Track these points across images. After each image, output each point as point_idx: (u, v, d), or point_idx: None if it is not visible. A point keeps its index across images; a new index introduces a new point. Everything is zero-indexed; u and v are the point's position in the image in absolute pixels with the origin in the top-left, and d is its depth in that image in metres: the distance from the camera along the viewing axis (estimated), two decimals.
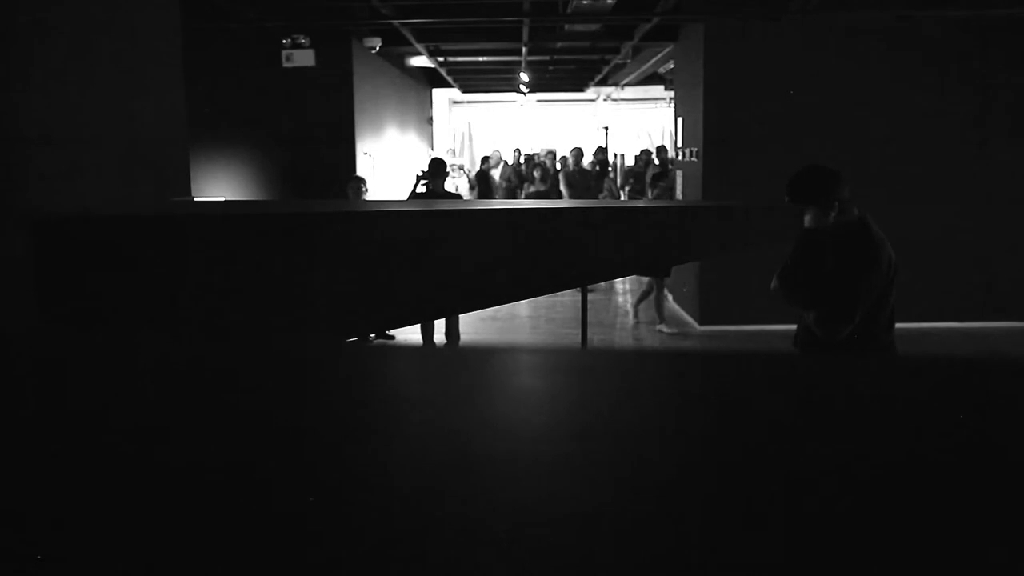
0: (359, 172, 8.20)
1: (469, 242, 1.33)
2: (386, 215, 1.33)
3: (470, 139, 20.67)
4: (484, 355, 0.68)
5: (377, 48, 8.73)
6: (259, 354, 0.66)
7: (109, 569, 0.32)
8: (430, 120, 15.83)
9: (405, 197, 7.77)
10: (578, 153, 10.98)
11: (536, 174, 11.20)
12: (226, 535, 0.34)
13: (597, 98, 19.06)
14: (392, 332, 7.19)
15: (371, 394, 0.55)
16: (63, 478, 0.39)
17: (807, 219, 2.85)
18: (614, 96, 17.79)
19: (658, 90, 15.50)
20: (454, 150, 17.35)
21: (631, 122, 20.15)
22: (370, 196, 7.49)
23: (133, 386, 0.55)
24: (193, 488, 0.38)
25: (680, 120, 8.61)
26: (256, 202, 5.46)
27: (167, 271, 1.00)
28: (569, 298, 8.83)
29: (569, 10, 7.14)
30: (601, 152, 15.32)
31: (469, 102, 19.91)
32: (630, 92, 16.54)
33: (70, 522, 0.35)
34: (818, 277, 2.93)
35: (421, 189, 7.16)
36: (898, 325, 2.99)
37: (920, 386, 0.56)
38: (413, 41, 8.85)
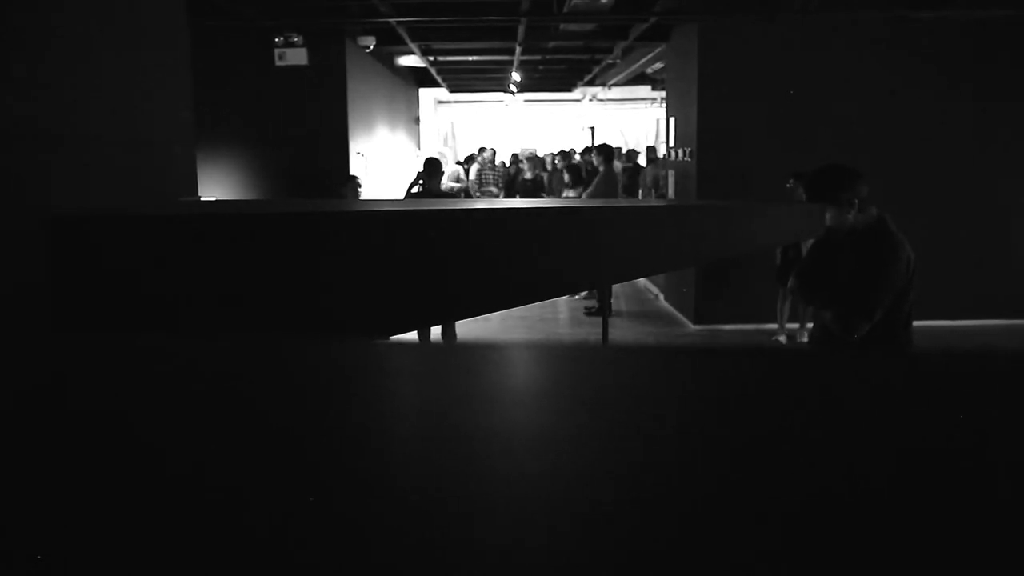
0: (352, 172, 8.15)
1: (471, 243, 1.31)
2: (401, 215, 1.32)
3: (453, 138, 20.66)
4: (482, 352, 0.67)
5: (371, 47, 8.69)
6: (262, 354, 0.66)
7: (112, 570, 0.32)
8: (417, 120, 15.78)
9: (401, 197, 7.74)
10: (606, 151, 9.14)
11: (566, 178, 10.63)
12: (224, 537, 0.34)
13: (583, 98, 19.08)
14: None
15: (372, 392, 0.55)
16: (69, 481, 0.39)
17: (827, 217, 2.86)
18: (600, 96, 17.81)
19: (645, 90, 15.53)
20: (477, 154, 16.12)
21: (619, 122, 20.20)
22: (363, 196, 7.45)
23: (136, 389, 0.55)
24: (193, 490, 0.38)
25: (672, 120, 8.62)
26: (263, 201, 5.42)
27: (180, 270, 1.00)
28: (566, 299, 8.84)
29: (566, 9, 7.14)
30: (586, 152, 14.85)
31: (455, 102, 19.89)
32: (616, 92, 16.56)
33: (76, 524, 0.35)
34: (837, 276, 2.95)
35: (416, 189, 7.14)
36: None
37: (922, 381, 0.56)
38: (407, 40, 8.82)
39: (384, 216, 1.31)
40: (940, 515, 0.34)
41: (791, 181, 6.18)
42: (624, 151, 15.62)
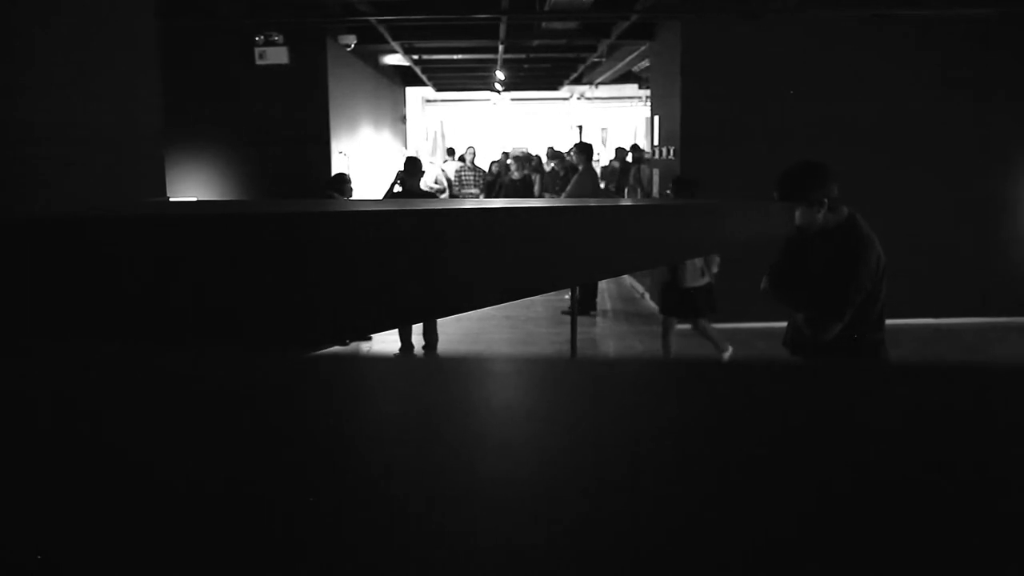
0: (335, 171, 8.08)
1: (451, 242, 1.30)
2: (376, 215, 1.31)
3: (442, 137, 20.62)
4: (466, 365, 0.65)
5: (352, 46, 8.64)
6: (240, 366, 0.64)
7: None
8: (403, 119, 15.73)
9: (381, 197, 7.69)
10: (585, 150, 8.65)
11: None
12: (209, 552, 0.33)
13: (571, 97, 19.07)
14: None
15: (354, 407, 0.54)
16: (50, 492, 0.38)
17: (796, 216, 2.82)
18: (588, 95, 17.80)
19: (632, 88, 15.53)
20: (462, 154, 13.83)
21: (606, 121, 20.21)
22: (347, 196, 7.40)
23: (108, 399, 0.53)
24: (171, 502, 0.37)
25: (657, 118, 8.60)
26: (237, 202, 5.40)
27: (143, 274, 0.96)
28: (548, 298, 8.80)
29: (547, 7, 7.10)
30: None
31: (442, 101, 19.84)
32: (604, 91, 16.55)
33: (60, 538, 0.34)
34: (807, 276, 2.92)
35: (397, 189, 7.09)
36: None
37: (911, 394, 0.54)
38: (389, 39, 8.77)
39: (359, 217, 1.31)
40: (917, 536, 0.33)
41: (670, 187, 5.86)
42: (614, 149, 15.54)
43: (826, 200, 2.81)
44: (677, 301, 5.68)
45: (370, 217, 1.29)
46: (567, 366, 0.69)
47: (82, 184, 3.06)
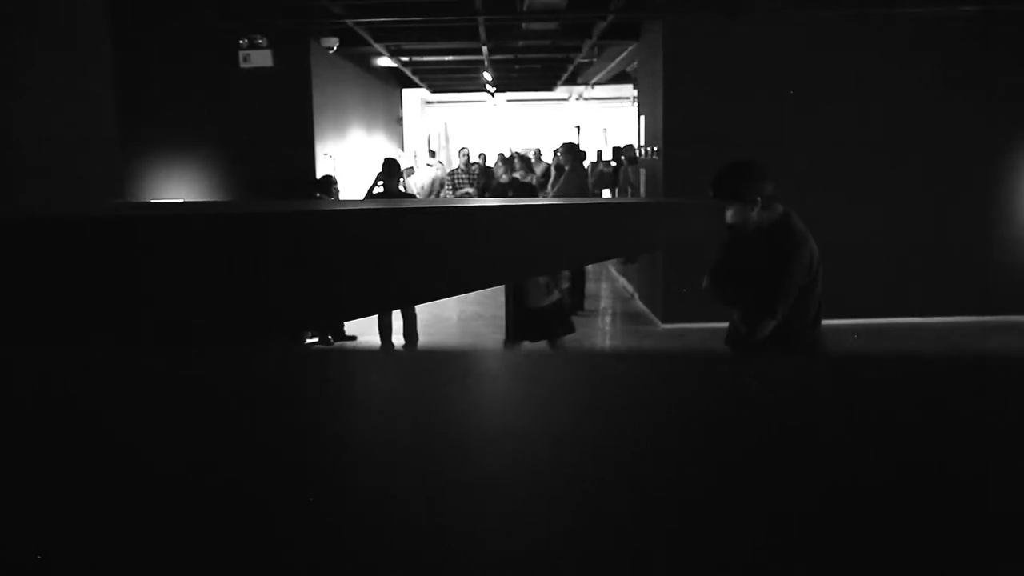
0: (320, 173, 8.11)
1: (413, 239, 1.33)
2: (343, 213, 1.34)
3: (447, 139, 20.63)
4: (447, 358, 0.67)
5: (334, 48, 8.65)
6: (227, 363, 0.65)
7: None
8: (400, 120, 15.74)
9: (362, 197, 7.73)
10: (573, 151, 9.09)
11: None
12: (207, 550, 0.33)
13: (569, 97, 19.04)
14: (353, 332, 7.16)
15: (338, 401, 0.54)
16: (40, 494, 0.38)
17: (729, 215, 2.83)
18: (586, 95, 17.78)
19: (627, 88, 15.50)
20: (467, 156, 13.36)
21: (606, 121, 20.17)
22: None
23: (98, 399, 0.53)
24: (166, 501, 0.37)
25: (643, 118, 8.59)
26: (222, 203, 5.44)
27: (114, 276, 0.97)
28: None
29: (524, 8, 7.10)
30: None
31: (441, 102, 19.85)
32: (601, 91, 16.52)
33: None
34: (743, 274, 2.92)
35: (378, 189, 7.12)
36: (860, 321, 2.97)
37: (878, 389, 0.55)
38: (371, 41, 8.79)
39: (326, 216, 1.34)
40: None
41: (509, 193, 5.86)
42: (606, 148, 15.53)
43: (759, 198, 2.82)
44: (524, 323, 5.21)
45: (343, 216, 1.33)
46: (552, 361, 0.68)
47: (41, 188, 3.09)
